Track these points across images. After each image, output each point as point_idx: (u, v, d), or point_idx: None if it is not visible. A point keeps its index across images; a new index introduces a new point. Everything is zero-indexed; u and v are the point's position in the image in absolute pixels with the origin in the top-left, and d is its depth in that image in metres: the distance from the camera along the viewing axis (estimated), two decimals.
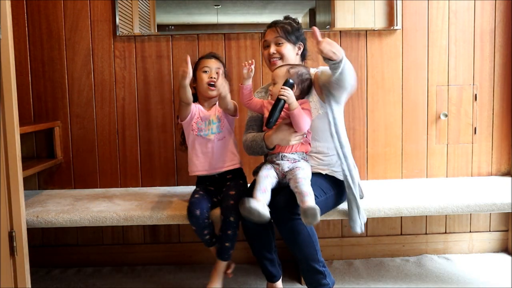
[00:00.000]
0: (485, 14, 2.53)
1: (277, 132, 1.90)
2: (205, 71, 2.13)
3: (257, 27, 2.52)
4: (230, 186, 2.09)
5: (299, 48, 2.09)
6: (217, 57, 2.19)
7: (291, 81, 1.87)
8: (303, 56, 2.14)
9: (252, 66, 1.93)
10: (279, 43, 2.05)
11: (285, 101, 1.84)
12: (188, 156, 2.18)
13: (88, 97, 2.52)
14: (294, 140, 1.91)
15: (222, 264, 2.03)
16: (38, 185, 2.55)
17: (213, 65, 2.14)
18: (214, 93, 2.11)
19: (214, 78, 2.10)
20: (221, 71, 2.12)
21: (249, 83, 1.99)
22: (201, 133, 2.13)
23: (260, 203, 1.78)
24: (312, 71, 2.08)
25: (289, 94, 1.83)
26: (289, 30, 2.05)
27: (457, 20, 2.53)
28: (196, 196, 2.05)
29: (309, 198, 1.76)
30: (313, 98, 2.01)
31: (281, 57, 2.05)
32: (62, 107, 2.52)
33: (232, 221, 1.95)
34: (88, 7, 2.48)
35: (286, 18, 2.13)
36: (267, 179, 1.88)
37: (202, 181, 2.18)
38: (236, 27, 2.53)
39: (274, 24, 2.08)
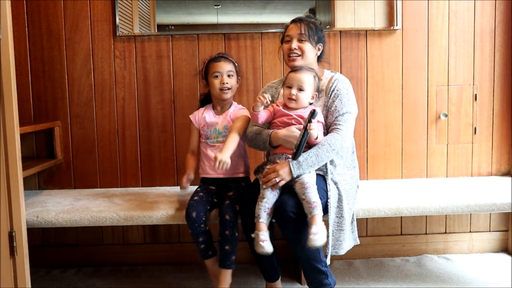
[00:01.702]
0: (485, 14, 2.53)
1: (286, 132, 1.89)
2: (216, 76, 2.12)
3: (257, 27, 2.52)
4: (230, 188, 2.09)
5: (319, 49, 2.06)
6: (226, 57, 2.16)
7: (316, 112, 1.83)
8: (319, 58, 2.09)
9: (267, 100, 1.88)
10: (302, 40, 2.00)
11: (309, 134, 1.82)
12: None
13: (88, 97, 2.52)
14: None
15: (225, 273, 1.96)
16: (38, 185, 2.55)
17: (223, 68, 2.12)
18: (228, 95, 2.12)
19: (227, 83, 2.10)
20: (232, 72, 2.13)
21: (261, 109, 1.94)
22: (208, 141, 2.15)
23: (268, 240, 1.80)
24: (327, 74, 2.07)
25: (315, 127, 1.83)
26: (313, 28, 2.02)
27: (457, 20, 2.53)
28: (195, 198, 2.03)
29: (316, 213, 1.75)
30: (321, 102, 2.01)
31: (301, 54, 2.00)
32: (62, 107, 2.52)
33: (227, 219, 1.93)
34: (88, 7, 2.48)
35: (309, 16, 2.10)
36: (275, 197, 1.85)
37: (206, 181, 2.18)
38: (236, 27, 2.53)
39: (299, 20, 2.03)
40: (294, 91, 1.91)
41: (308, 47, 2.00)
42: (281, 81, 2.14)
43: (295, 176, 1.83)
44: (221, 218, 1.96)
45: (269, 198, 1.83)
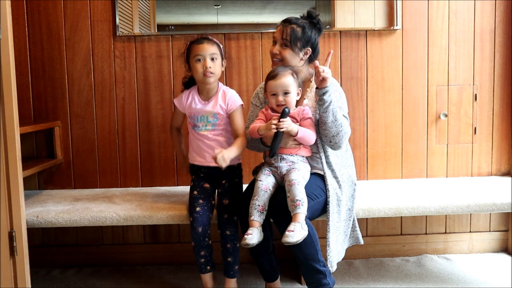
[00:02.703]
0: (485, 14, 2.53)
1: (267, 124, 1.89)
2: (199, 60, 1.96)
3: (257, 27, 2.52)
4: (225, 191, 2.03)
5: (306, 53, 2.00)
6: (209, 39, 2.01)
7: (287, 110, 1.84)
8: (310, 59, 2.04)
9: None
10: (283, 45, 1.98)
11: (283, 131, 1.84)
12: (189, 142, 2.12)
13: (88, 97, 2.52)
14: (291, 143, 1.91)
15: (229, 282, 2.01)
16: (38, 185, 2.55)
17: (206, 51, 1.96)
18: (211, 80, 1.98)
19: (210, 67, 1.95)
20: (216, 55, 1.98)
21: (259, 124, 1.94)
22: (196, 129, 2.04)
23: (255, 235, 1.79)
24: None
25: (288, 124, 1.82)
26: (298, 35, 1.96)
27: (457, 20, 2.53)
28: (198, 209, 1.97)
29: (298, 211, 1.74)
30: (311, 102, 2.00)
31: (282, 60, 1.99)
32: (62, 107, 2.52)
33: (228, 234, 1.94)
34: (88, 7, 2.48)
35: (307, 16, 2.03)
36: (266, 193, 1.86)
37: (197, 170, 2.09)
38: (236, 27, 2.53)
39: (287, 23, 1.98)
40: (281, 98, 1.90)
41: (288, 53, 1.97)
42: None
43: (322, 93, 1.83)
44: (221, 232, 1.95)
45: (260, 195, 1.84)
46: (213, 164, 1.92)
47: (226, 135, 2.04)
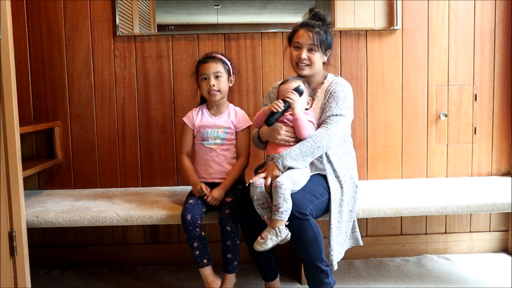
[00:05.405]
0: (485, 14, 2.53)
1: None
2: (204, 78, 2.06)
3: (257, 27, 2.52)
4: (227, 191, 2.05)
5: (326, 55, 2.04)
6: (213, 57, 2.09)
7: (301, 88, 1.86)
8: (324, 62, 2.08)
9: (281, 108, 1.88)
10: (312, 50, 1.98)
11: (289, 105, 1.85)
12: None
13: (88, 97, 2.52)
14: (282, 138, 1.91)
15: (229, 277, 2.01)
16: (38, 185, 2.55)
17: (210, 70, 2.05)
18: (216, 98, 2.07)
19: (214, 85, 2.04)
20: (220, 73, 2.06)
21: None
22: (204, 142, 2.09)
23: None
24: (330, 78, 2.06)
25: (295, 99, 1.84)
26: (323, 39, 1.98)
27: (457, 20, 2.53)
28: (190, 201, 2.01)
29: (275, 217, 1.74)
30: (318, 104, 2.01)
31: (310, 64, 1.99)
32: (62, 107, 2.52)
33: (228, 230, 1.94)
34: (88, 7, 2.48)
35: (317, 18, 2.03)
36: (260, 189, 1.83)
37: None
38: (236, 27, 2.53)
39: (310, 27, 1.98)
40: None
41: (317, 57, 1.99)
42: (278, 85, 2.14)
43: (281, 168, 1.84)
44: (221, 228, 1.95)
45: (256, 194, 1.83)
46: (217, 180, 2.07)
47: (233, 151, 2.12)
